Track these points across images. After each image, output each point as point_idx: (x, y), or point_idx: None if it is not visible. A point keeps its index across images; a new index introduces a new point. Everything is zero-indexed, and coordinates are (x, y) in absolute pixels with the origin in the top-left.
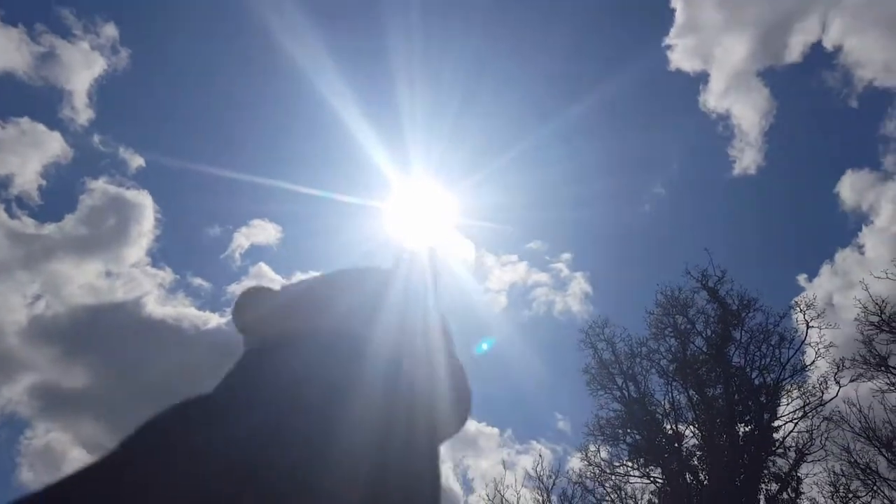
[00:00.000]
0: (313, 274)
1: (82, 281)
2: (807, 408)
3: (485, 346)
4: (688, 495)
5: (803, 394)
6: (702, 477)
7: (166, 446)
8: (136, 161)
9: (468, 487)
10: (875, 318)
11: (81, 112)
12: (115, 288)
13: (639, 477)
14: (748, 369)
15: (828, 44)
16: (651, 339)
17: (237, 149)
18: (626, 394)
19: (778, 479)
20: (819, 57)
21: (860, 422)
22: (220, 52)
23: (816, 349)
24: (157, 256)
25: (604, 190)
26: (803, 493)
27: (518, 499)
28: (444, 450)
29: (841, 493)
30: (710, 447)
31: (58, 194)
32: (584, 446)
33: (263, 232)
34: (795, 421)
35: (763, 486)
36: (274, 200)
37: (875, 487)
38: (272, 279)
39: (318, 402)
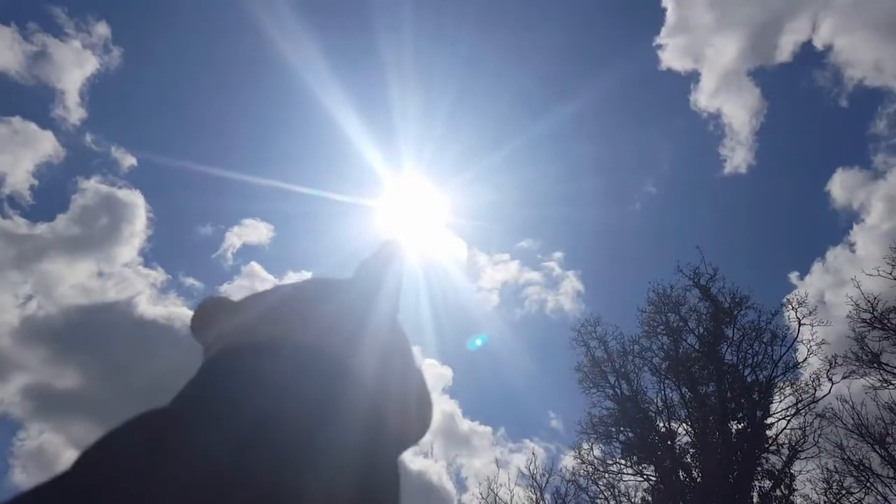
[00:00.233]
0: (294, 278)
1: (74, 281)
2: (799, 405)
3: (478, 342)
4: (681, 493)
5: (796, 391)
6: (695, 474)
7: (122, 467)
8: (128, 160)
9: (461, 486)
10: (867, 316)
11: (73, 111)
12: (107, 288)
13: (632, 475)
14: (741, 367)
15: (818, 43)
16: (643, 336)
17: (229, 148)
18: (619, 392)
19: (771, 476)
20: (809, 56)
21: (853, 419)
22: (212, 52)
23: (809, 346)
24: (150, 256)
25: (595, 189)
26: (796, 489)
27: (511, 497)
28: (437, 451)
29: (834, 490)
30: (702, 444)
31: (50, 194)
32: (577, 444)
33: (255, 231)
34: (788, 418)
35: (756, 483)
36: (266, 199)
37: (868, 484)
38: (264, 278)
39: (292, 422)
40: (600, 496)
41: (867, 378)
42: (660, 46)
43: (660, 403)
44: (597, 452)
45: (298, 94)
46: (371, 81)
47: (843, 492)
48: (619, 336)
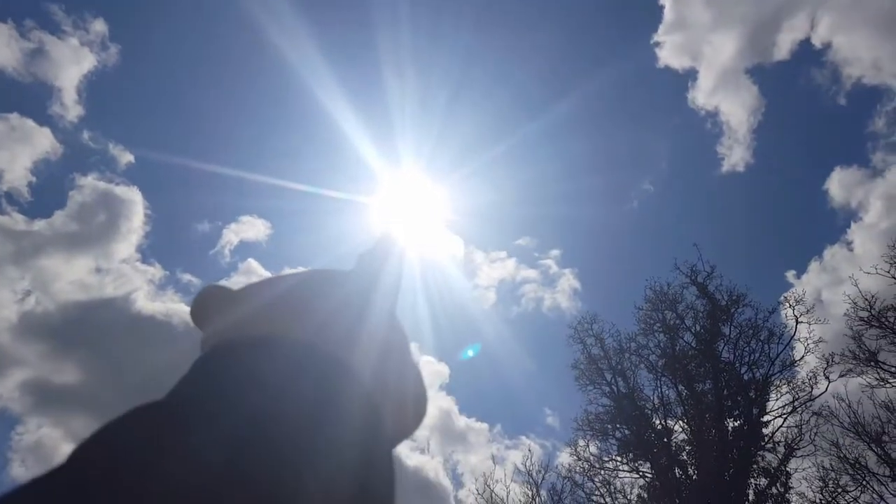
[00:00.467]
0: (285, 272)
1: (72, 277)
2: (796, 403)
3: (470, 353)
4: (677, 490)
5: (792, 389)
6: (691, 471)
7: (116, 462)
8: (126, 157)
9: (458, 482)
10: (864, 314)
11: (71, 108)
12: (105, 284)
13: (628, 471)
14: (737, 364)
15: (816, 41)
16: (640, 334)
17: (226, 145)
18: (615, 389)
19: (767, 473)
20: (808, 54)
21: (849, 417)
22: (209, 49)
23: (806, 344)
24: (147, 252)
25: (592, 187)
26: (792, 487)
27: (508, 493)
28: (434, 447)
29: (830, 488)
30: (699, 442)
31: (47, 190)
32: (574, 441)
33: (253, 228)
34: (784, 416)
35: (752, 480)
36: (263, 196)
37: (864, 482)
38: (262, 275)
39: (290, 421)
40: (596, 493)
41: (864, 376)
42: (657, 44)
43: (656, 401)
44: (593, 449)
45: (296, 91)
46: (368, 79)
47: (839, 490)
48: (616, 333)
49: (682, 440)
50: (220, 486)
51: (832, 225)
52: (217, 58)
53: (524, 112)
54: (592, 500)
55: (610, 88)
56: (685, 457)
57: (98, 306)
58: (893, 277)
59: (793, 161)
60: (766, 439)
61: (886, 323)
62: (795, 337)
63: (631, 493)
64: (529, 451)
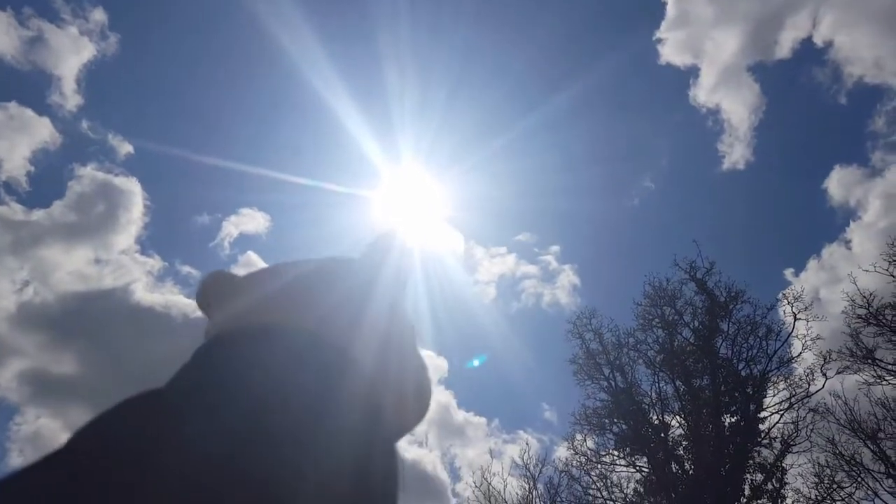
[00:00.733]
0: (287, 260)
1: (71, 267)
2: (793, 399)
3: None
4: (673, 484)
5: (789, 385)
6: (687, 466)
7: (112, 452)
8: (125, 148)
9: (455, 476)
10: (862, 311)
11: (70, 98)
12: (104, 275)
13: (625, 466)
14: (735, 360)
15: (818, 39)
16: (638, 329)
17: (226, 137)
18: (613, 384)
19: (763, 469)
20: (809, 53)
21: (845, 414)
22: (210, 40)
23: (803, 341)
24: (146, 244)
25: (593, 183)
26: (788, 483)
27: (505, 487)
28: (432, 441)
29: (825, 484)
30: (695, 437)
31: (46, 180)
32: (571, 435)
33: (252, 221)
34: (781, 412)
35: (748, 476)
36: (263, 189)
37: (859, 479)
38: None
39: (290, 413)
40: (593, 486)
41: (861, 374)
42: (659, 41)
43: (654, 396)
44: (590, 444)
45: (296, 84)
46: (368, 71)
47: (834, 486)
48: (615, 329)
49: (679, 435)
50: (216, 478)
51: (831, 223)
52: (217, 49)
53: (525, 107)
54: (589, 495)
55: (611, 84)
56: (682, 452)
57: (97, 297)
58: (892, 275)
59: (793, 159)
60: (763, 435)
61: (884, 321)
62: (793, 334)
63: (627, 487)
64: (527, 445)
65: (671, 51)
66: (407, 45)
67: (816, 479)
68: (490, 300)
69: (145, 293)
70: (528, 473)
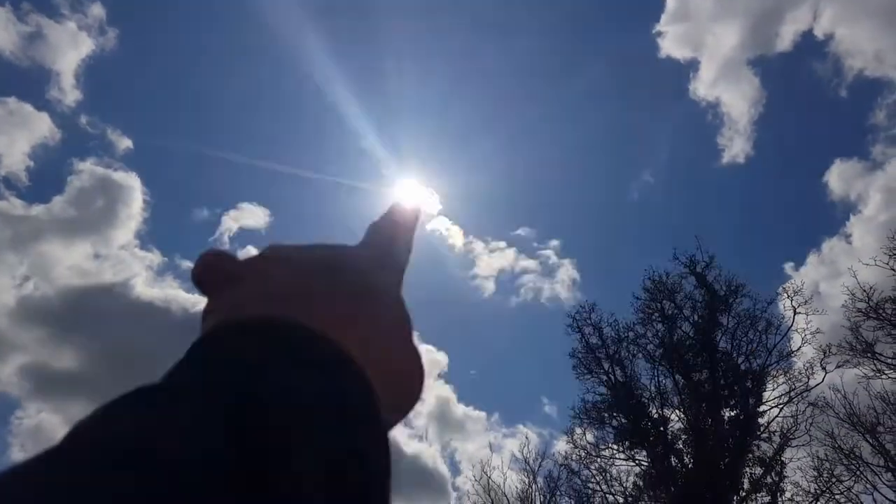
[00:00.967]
0: (289, 243)
1: (71, 262)
2: (792, 393)
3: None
4: (672, 478)
5: (789, 379)
6: (686, 460)
7: (111, 446)
8: (124, 143)
9: (455, 469)
10: (863, 305)
11: (69, 93)
12: (104, 270)
13: (624, 460)
14: (734, 354)
15: (819, 33)
16: (638, 323)
17: (226, 132)
18: (613, 378)
19: (762, 463)
20: (810, 46)
21: (845, 408)
22: (209, 34)
23: (803, 335)
24: (146, 239)
25: (592, 177)
26: (787, 476)
27: (504, 481)
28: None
29: (824, 478)
30: (695, 431)
31: (46, 175)
32: (571, 429)
33: (252, 215)
34: (781, 406)
35: (747, 469)
36: (262, 184)
37: (858, 472)
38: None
39: (288, 409)
40: (592, 480)
41: (860, 368)
42: (659, 34)
43: (653, 390)
44: (589, 437)
45: (296, 78)
46: (368, 64)
47: (833, 480)
48: (614, 323)
49: (679, 429)
50: (212, 472)
51: (831, 217)
52: (217, 44)
53: (524, 101)
54: (588, 488)
55: (611, 78)
56: (681, 445)
57: (96, 292)
58: (892, 269)
59: (793, 153)
60: (762, 429)
61: (884, 314)
62: (793, 328)
63: (627, 480)
64: (527, 439)
65: (671, 44)
66: (407, 38)
67: (815, 473)
68: (489, 294)
69: (145, 288)
70: (527, 467)
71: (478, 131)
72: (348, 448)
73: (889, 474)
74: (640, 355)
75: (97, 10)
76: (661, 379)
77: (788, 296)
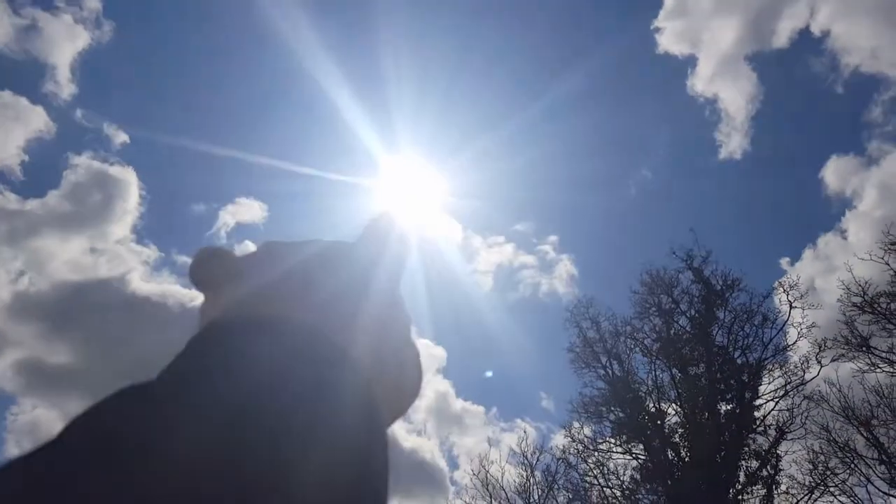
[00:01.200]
0: (286, 242)
1: (66, 257)
2: (788, 387)
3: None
4: (669, 471)
5: (785, 373)
6: (683, 454)
7: (106, 439)
8: (121, 137)
9: (454, 464)
10: (858, 300)
11: (64, 86)
12: (100, 265)
13: (621, 453)
14: (731, 348)
15: (815, 29)
16: (635, 318)
17: (223, 126)
18: (610, 372)
19: (758, 456)
20: (806, 42)
21: (840, 401)
22: (205, 28)
23: (799, 329)
24: (142, 233)
25: (590, 172)
26: (782, 469)
27: (503, 474)
28: (430, 429)
29: (819, 471)
30: (691, 425)
31: (41, 170)
32: (568, 423)
33: (249, 210)
34: (776, 400)
35: (743, 462)
36: (260, 178)
37: (853, 465)
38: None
39: (286, 408)
40: (590, 474)
41: (855, 362)
42: (657, 29)
43: (650, 384)
44: (587, 431)
45: (294, 72)
46: (366, 58)
47: (828, 472)
48: (612, 317)
49: (676, 423)
50: (208, 469)
51: (827, 213)
52: (213, 37)
53: (523, 96)
54: (586, 481)
55: (609, 74)
56: (678, 439)
57: (92, 287)
58: (887, 264)
59: (789, 149)
60: (758, 422)
61: (879, 308)
62: (789, 322)
63: (624, 474)
64: (525, 433)
65: (669, 40)
66: (405, 35)
67: (811, 466)
68: (488, 289)
69: (141, 283)
70: (525, 461)
71: (476, 126)
72: (346, 444)
73: (883, 467)
74: (638, 349)
75: (93, 3)
76: (658, 373)
77: (784, 290)
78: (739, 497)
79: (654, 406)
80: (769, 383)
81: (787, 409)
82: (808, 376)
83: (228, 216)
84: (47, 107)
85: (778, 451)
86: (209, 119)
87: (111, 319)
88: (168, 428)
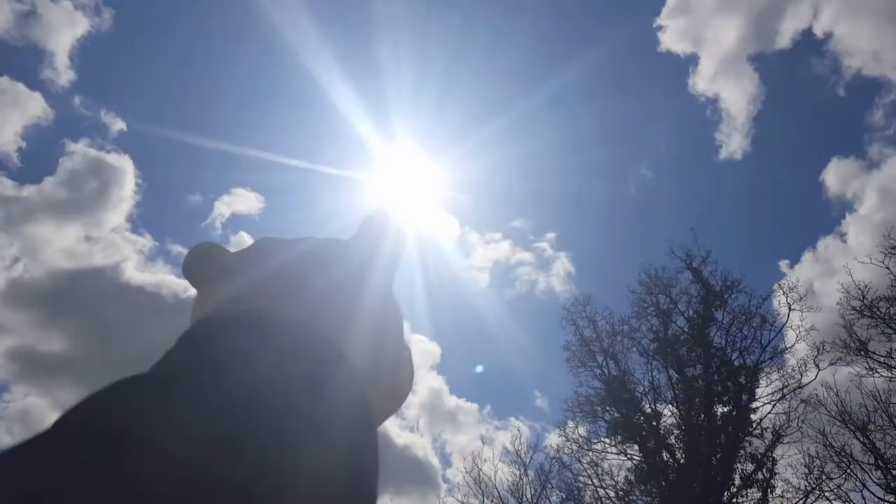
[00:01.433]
0: (281, 238)
1: (61, 244)
2: (785, 390)
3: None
4: (664, 473)
5: (782, 376)
6: (678, 455)
7: (97, 434)
8: (118, 125)
9: (446, 461)
10: (857, 303)
11: (63, 73)
12: (95, 252)
13: (616, 454)
14: (729, 350)
15: (818, 31)
16: (633, 317)
17: (220, 116)
18: (606, 371)
19: (753, 459)
20: (809, 44)
21: (837, 405)
22: (204, 18)
23: (797, 332)
24: (138, 222)
25: (589, 169)
26: (778, 473)
27: (496, 473)
28: (423, 426)
29: (815, 475)
30: (687, 426)
31: (37, 156)
32: (563, 422)
33: (245, 201)
34: (773, 403)
35: (738, 465)
36: (256, 169)
37: (848, 470)
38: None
39: (279, 405)
40: (583, 474)
41: (853, 366)
42: (659, 27)
43: (646, 384)
44: (582, 431)
45: (290, 64)
46: (363, 51)
47: (824, 477)
48: (609, 316)
49: (671, 424)
50: (202, 466)
51: (827, 216)
52: (212, 28)
53: (522, 92)
54: (580, 481)
55: (609, 71)
56: (673, 440)
57: (87, 275)
58: (887, 268)
59: (790, 150)
60: (754, 425)
61: (878, 312)
62: (787, 325)
63: (618, 475)
64: (518, 431)
65: (671, 38)
66: (403, 24)
67: (806, 470)
68: (484, 286)
69: (135, 272)
70: (519, 460)
71: (474, 122)
72: (340, 443)
73: (879, 472)
74: (635, 349)
75: None
76: (654, 373)
77: (783, 292)
78: (734, 500)
79: (649, 407)
80: (766, 386)
81: (784, 413)
82: (805, 380)
83: (224, 207)
84: (45, 93)
85: (774, 455)
86: (207, 109)
87: (105, 308)
88: (163, 426)
